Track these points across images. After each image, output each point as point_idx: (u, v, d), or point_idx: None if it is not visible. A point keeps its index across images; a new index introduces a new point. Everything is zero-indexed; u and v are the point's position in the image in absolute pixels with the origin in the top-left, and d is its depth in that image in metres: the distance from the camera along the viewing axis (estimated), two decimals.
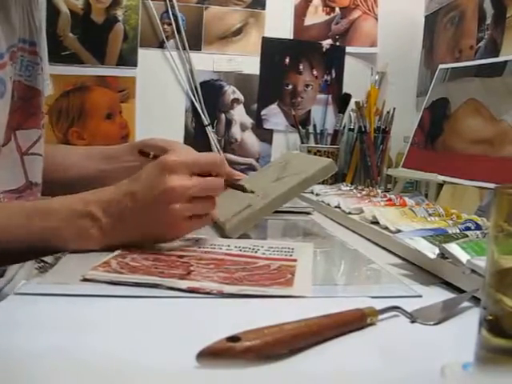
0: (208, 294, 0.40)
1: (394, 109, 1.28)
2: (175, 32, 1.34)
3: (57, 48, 1.29)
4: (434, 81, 1.07)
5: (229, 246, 0.55)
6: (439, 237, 0.51)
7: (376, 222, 0.68)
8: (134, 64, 1.33)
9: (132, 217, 0.51)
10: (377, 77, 1.36)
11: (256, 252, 0.53)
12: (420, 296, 0.42)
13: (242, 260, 0.49)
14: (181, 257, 0.49)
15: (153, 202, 0.51)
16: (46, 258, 0.73)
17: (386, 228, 0.64)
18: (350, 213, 0.78)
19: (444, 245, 0.46)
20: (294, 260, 0.51)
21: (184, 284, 0.41)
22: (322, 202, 0.92)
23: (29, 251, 0.54)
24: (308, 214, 0.90)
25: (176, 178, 0.51)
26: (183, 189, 0.51)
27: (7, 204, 0.61)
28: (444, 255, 0.47)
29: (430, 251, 0.48)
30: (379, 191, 0.96)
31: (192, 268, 0.45)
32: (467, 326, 0.27)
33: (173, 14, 1.33)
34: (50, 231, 0.51)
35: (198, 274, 0.44)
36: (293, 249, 0.55)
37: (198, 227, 0.56)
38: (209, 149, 1.36)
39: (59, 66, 1.30)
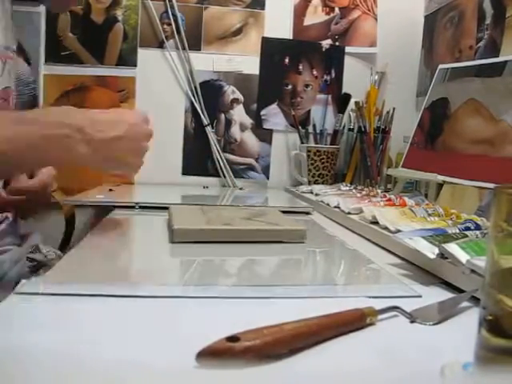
0: None
1: (394, 109, 1.28)
2: (175, 32, 1.33)
3: (57, 48, 1.29)
4: (433, 81, 1.07)
5: None
6: (439, 237, 0.51)
7: (376, 222, 0.68)
8: (134, 64, 1.33)
9: (119, 137, 0.57)
10: (376, 77, 1.36)
11: None
12: (420, 296, 0.42)
13: None
14: None
15: (139, 126, 0.59)
16: (35, 256, 0.73)
17: (386, 228, 0.64)
18: (349, 213, 0.78)
19: (443, 245, 0.46)
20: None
21: None
22: (322, 201, 0.92)
23: (22, 162, 0.55)
24: (308, 213, 0.90)
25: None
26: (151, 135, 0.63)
27: None
28: (443, 255, 0.47)
29: (430, 251, 0.48)
30: (379, 191, 0.96)
31: None
32: (467, 326, 0.27)
33: (172, 14, 1.33)
34: (36, 138, 0.52)
35: None
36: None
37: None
38: (209, 149, 1.36)
39: (59, 66, 1.30)
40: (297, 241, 0.62)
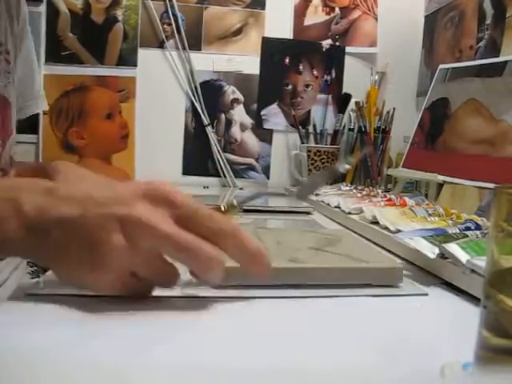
0: None
1: (394, 109, 1.28)
2: (175, 32, 1.34)
3: (57, 48, 1.29)
4: (434, 81, 1.07)
5: None
6: (439, 237, 0.51)
7: (376, 222, 0.68)
8: (134, 64, 1.34)
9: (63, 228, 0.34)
10: (377, 77, 1.36)
11: None
12: (426, 294, 0.43)
13: None
14: None
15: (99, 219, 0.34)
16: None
17: (386, 228, 0.64)
18: (349, 213, 0.78)
19: (444, 245, 0.46)
20: None
21: None
22: (322, 201, 0.92)
23: None
24: (308, 213, 0.90)
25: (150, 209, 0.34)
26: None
27: None
28: (444, 255, 0.47)
29: (430, 251, 0.48)
30: (379, 191, 0.96)
31: None
32: (467, 325, 0.27)
33: (172, 13, 1.33)
34: None
35: None
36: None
37: (137, 292, 0.37)
38: (209, 149, 1.36)
39: (59, 66, 1.30)
40: (390, 284, 0.44)
